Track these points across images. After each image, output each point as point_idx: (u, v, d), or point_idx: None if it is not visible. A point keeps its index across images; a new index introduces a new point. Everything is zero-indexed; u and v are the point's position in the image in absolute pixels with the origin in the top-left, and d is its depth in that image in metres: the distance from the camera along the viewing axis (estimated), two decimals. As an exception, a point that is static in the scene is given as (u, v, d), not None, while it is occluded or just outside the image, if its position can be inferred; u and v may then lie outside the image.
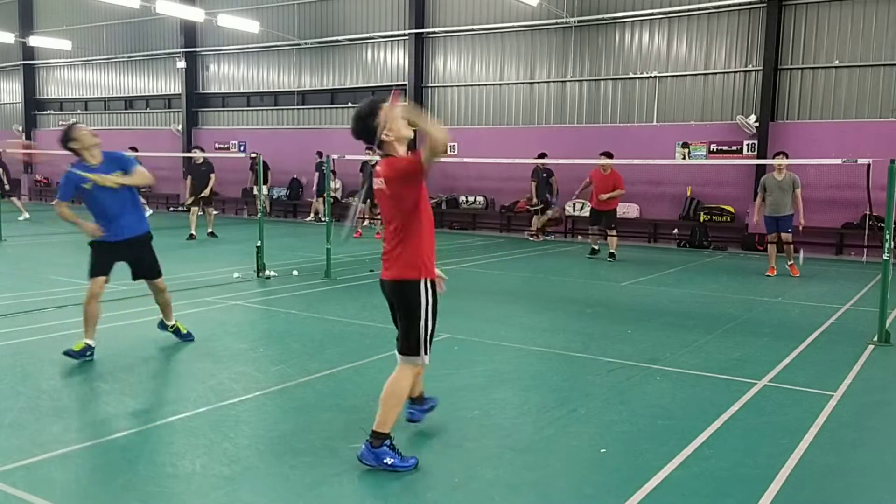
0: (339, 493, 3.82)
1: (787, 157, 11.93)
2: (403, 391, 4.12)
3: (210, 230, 16.28)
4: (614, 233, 13.86)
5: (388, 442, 4.04)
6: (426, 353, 4.12)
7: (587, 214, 14.86)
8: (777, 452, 4.38)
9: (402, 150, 4.06)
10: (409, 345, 4.09)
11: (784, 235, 11.84)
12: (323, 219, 16.14)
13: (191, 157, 16.66)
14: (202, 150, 16.66)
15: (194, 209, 15.93)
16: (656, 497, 3.77)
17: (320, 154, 20.01)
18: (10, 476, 3.89)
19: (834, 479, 4.12)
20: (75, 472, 3.99)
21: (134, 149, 20.13)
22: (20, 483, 3.81)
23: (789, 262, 11.99)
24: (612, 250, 13.75)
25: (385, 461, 4.00)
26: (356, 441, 4.31)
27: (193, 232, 15.71)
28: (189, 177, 16.13)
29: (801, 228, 11.77)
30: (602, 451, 4.41)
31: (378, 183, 4.06)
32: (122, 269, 6.41)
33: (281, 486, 3.87)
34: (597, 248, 14.28)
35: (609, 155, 13.66)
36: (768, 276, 11.81)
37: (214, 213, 17.04)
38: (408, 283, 4.04)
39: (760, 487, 3.89)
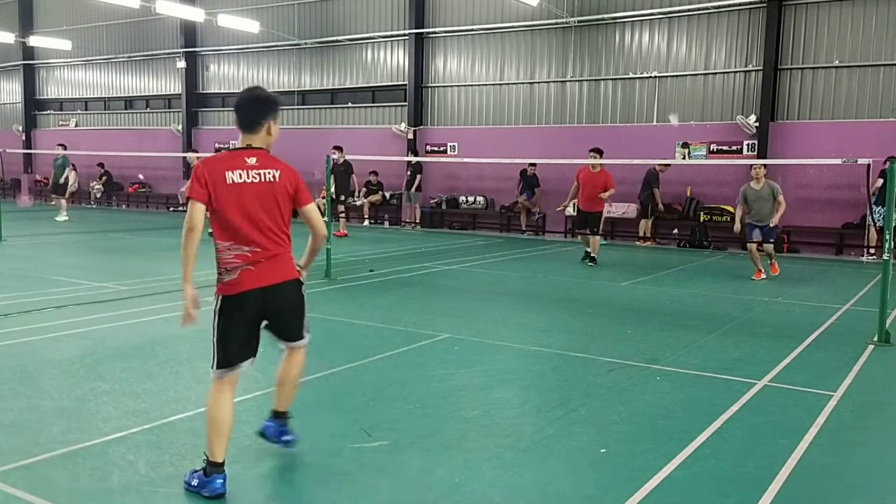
0: (339, 493, 3.82)
1: (765, 167, 11.48)
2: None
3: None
4: (598, 236, 13.03)
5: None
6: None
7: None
8: (777, 452, 4.38)
9: None
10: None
11: (766, 246, 11.39)
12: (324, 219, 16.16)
13: (188, 159, 16.96)
14: (196, 153, 17.06)
15: None
16: (656, 497, 3.77)
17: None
18: (10, 476, 3.89)
19: (834, 479, 4.12)
20: (75, 472, 3.99)
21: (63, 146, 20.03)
22: (20, 483, 3.81)
23: (771, 261, 11.64)
24: (593, 254, 12.80)
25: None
26: (356, 441, 4.31)
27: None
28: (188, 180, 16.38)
29: (774, 226, 11.31)
30: (602, 451, 4.41)
31: (271, 177, 3.99)
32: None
33: (281, 487, 3.87)
34: (590, 249, 12.97)
35: (599, 152, 12.55)
36: (755, 280, 11.32)
37: None
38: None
39: (760, 487, 3.89)
